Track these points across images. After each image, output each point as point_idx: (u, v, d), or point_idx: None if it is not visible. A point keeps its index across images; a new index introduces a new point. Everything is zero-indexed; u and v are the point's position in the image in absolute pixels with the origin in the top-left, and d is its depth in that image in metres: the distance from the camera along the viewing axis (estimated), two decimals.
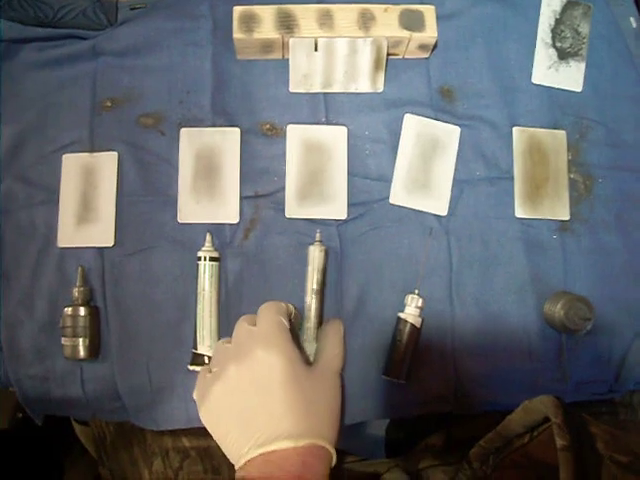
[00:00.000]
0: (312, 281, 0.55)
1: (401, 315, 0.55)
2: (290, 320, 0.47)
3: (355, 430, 0.75)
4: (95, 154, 0.59)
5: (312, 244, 0.56)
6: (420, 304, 0.55)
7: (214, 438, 0.43)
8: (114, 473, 0.63)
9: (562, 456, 0.36)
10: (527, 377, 0.57)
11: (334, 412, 0.43)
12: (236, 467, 0.40)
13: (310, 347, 0.55)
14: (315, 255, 0.55)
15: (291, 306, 0.49)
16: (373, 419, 0.59)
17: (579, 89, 0.61)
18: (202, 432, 0.60)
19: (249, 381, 0.41)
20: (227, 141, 0.58)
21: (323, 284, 0.56)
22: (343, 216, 0.57)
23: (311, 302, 0.55)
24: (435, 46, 0.59)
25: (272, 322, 0.44)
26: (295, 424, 0.40)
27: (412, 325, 0.54)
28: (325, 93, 0.59)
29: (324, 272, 0.56)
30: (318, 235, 0.56)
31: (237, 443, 0.40)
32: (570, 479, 0.35)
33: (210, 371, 0.45)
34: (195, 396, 0.46)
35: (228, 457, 0.42)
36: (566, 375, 0.58)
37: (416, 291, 0.56)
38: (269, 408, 0.40)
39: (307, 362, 0.45)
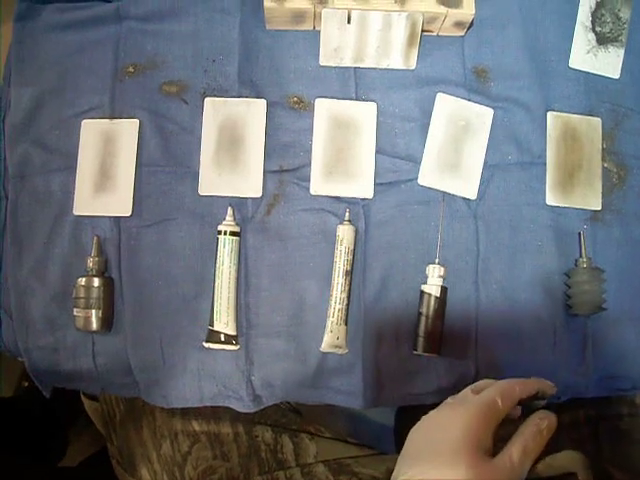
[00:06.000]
0: (342, 261, 0.54)
1: (425, 288, 0.54)
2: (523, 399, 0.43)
3: (362, 416, 0.74)
4: (115, 121, 0.57)
5: (342, 223, 0.54)
6: (442, 273, 0.54)
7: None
8: (122, 452, 0.61)
9: None
10: (550, 368, 0.55)
11: None
12: None
13: (340, 330, 0.53)
14: (346, 234, 0.54)
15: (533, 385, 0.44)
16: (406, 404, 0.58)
17: (617, 76, 0.59)
18: (213, 416, 0.60)
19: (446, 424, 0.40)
20: (252, 113, 0.56)
21: (352, 265, 0.54)
22: (369, 195, 0.56)
23: (341, 283, 0.53)
24: (471, 24, 0.57)
25: (484, 401, 0.41)
26: None
27: (436, 297, 0.53)
28: (356, 68, 0.57)
29: (353, 252, 0.54)
30: (347, 214, 0.55)
31: (401, 465, 0.39)
32: None
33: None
34: None
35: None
36: (589, 369, 0.56)
37: (436, 260, 0.54)
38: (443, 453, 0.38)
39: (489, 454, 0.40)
